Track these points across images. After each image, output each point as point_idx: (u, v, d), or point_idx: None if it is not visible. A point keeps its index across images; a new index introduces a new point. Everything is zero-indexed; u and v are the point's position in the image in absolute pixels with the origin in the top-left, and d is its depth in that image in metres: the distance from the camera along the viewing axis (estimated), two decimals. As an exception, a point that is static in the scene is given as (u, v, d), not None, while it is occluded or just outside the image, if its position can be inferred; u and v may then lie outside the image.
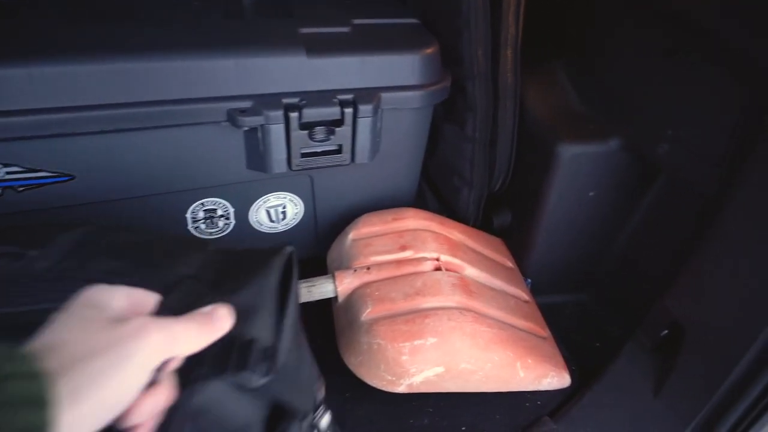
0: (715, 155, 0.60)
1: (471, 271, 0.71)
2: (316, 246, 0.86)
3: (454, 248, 0.73)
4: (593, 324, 0.85)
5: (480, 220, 0.89)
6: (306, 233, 0.84)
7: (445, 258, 0.71)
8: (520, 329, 0.69)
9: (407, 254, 0.70)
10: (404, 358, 0.61)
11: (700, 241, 0.58)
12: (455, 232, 0.77)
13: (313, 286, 0.68)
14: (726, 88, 0.58)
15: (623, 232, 0.80)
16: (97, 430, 0.25)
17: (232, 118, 0.65)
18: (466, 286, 0.68)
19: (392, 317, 0.63)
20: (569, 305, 0.88)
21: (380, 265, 0.69)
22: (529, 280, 0.84)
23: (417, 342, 0.61)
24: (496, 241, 0.87)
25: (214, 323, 0.31)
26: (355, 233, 0.75)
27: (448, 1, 0.77)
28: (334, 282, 0.68)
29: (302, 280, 0.67)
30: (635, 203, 0.77)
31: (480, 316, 0.66)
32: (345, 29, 0.74)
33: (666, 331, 0.65)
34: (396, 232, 0.74)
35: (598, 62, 0.77)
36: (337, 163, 0.71)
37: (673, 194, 0.72)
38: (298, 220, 0.81)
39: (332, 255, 0.78)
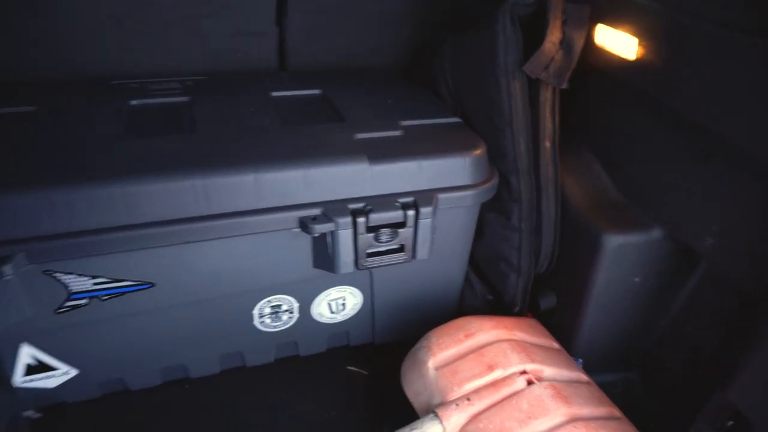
0: (763, 253, 0.63)
1: (549, 372, 0.73)
2: (371, 333, 0.88)
3: (530, 353, 0.75)
4: (641, 402, 0.87)
5: (526, 304, 0.92)
6: (363, 322, 0.86)
7: (530, 367, 0.72)
8: (607, 418, 0.70)
9: (497, 374, 0.71)
10: None
11: (763, 336, 0.60)
12: (516, 332, 0.79)
13: (420, 430, 0.66)
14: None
15: (668, 314, 0.83)
16: None
17: (304, 225, 0.69)
18: (559, 393, 0.69)
19: None
20: (619, 383, 0.89)
21: (478, 392, 0.69)
22: (580, 360, 0.86)
23: None
24: (535, 323, 0.88)
25: None
26: (434, 361, 0.73)
27: (490, 101, 0.82)
28: (440, 422, 0.66)
29: (405, 427, 0.66)
30: (679, 287, 0.80)
31: (584, 421, 0.67)
32: (397, 133, 0.79)
33: (732, 423, 0.66)
34: (474, 350, 0.74)
35: (631, 156, 0.82)
36: (400, 261, 0.75)
37: (717, 282, 0.75)
38: (356, 311, 0.84)
39: (415, 388, 0.75)
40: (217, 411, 0.80)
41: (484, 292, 0.94)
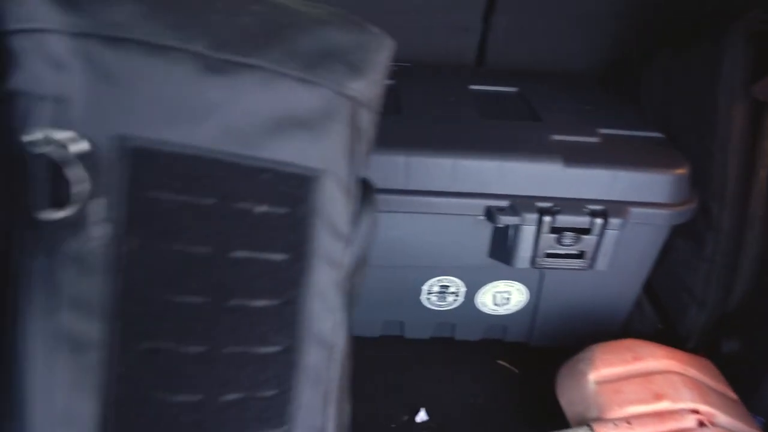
0: None
1: (723, 419, 0.67)
2: (529, 333, 0.89)
3: (704, 393, 0.70)
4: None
5: (702, 341, 0.85)
6: (523, 320, 0.87)
7: (702, 408, 0.68)
8: None
9: (665, 405, 0.67)
10: None
11: None
12: (690, 369, 0.74)
13: None
14: None
15: None
16: None
17: (490, 214, 0.71)
18: None
19: None
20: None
21: (640, 418, 0.66)
22: (761, 419, 0.78)
23: None
24: (710, 365, 0.81)
25: None
26: (595, 375, 0.71)
27: (704, 121, 0.77)
28: None
29: None
30: None
31: None
32: (594, 139, 0.78)
33: None
34: (642, 375, 0.71)
35: None
36: (576, 268, 0.74)
37: None
38: (519, 308, 0.85)
39: (570, 397, 0.73)
40: (378, 371, 0.86)
41: (655, 319, 0.89)
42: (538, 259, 0.73)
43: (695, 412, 0.67)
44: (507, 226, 0.72)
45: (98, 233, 0.26)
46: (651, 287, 0.91)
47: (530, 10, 1.01)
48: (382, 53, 0.34)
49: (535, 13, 1.01)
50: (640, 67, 0.95)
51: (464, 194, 0.72)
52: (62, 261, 0.26)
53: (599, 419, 0.67)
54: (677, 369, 0.73)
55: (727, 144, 0.75)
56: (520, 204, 0.71)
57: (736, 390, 0.78)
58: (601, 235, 0.72)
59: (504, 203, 0.72)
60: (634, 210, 0.73)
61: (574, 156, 0.73)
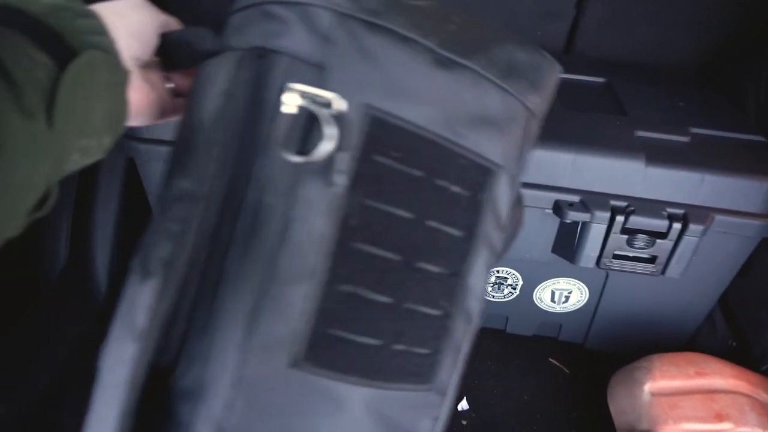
0: None
1: (791, 447, 0.64)
2: (585, 334, 0.86)
3: (772, 417, 0.65)
4: None
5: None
6: (580, 321, 0.84)
7: None
8: None
9: (726, 426, 0.63)
10: None
11: None
12: (762, 393, 0.68)
13: None
14: None
15: None
16: (135, 55, 0.34)
17: (558, 209, 0.69)
18: None
19: None
20: None
21: None
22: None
23: None
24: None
25: None
26: (652, 385, 0.68)
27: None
28: None
29: None
30: None
31: None
32: (684, 139, 0.73)
33: None
34: (704, 392, 0.67)
35: None
36: (645, 272, 0.70)
37: None
38: (577, 308, 0.82)
39: (622, 405, 0.72)
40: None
41: (727, 336, 0.83)
42: (604, 260, 0.70)
43: (760, 439, 0.63)
44: (575, 223, 0.69)
45: (339, 181, 0.31)
46: (727, 301, 0.85)
47: (625, -1, 0.95)
48: (552, 76, 0.39)
49: (632, 1, 0.95)
50: (747, 63, 0.87)
51: (534, 185, 0.70)
52: (298, 202, 0.31)
53: (645, 430, 0.64)
54: (746, 390, 0.68)
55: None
56: (591, 200, 0.68)
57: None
58: (678, 240, 0.68)
59: (575, 198, 0.69)
60: (719, 218, 0.68)
61: (659, 154, 0.69)
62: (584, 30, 0.99)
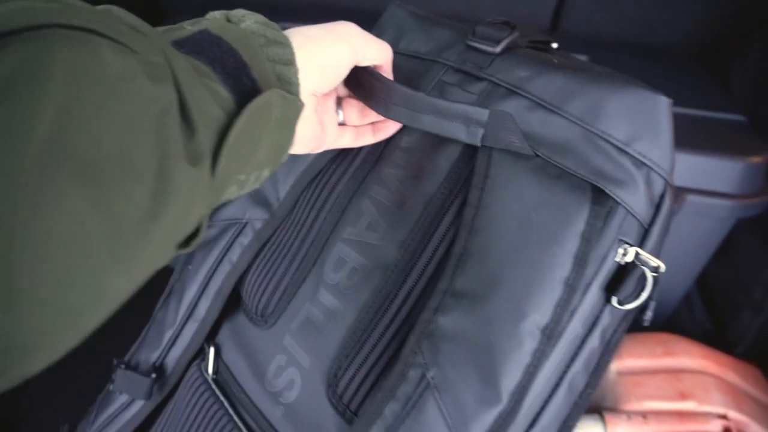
0: None
1: (755, 429, 0.63)
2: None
3: (738, 399, 0.65)
4: None
5: (754, 348, 0.78)
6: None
7: (733, 415, 0.63)
8: None
9: (689, 406, 0.63)
10: None
11: None
12: (729, 373, 0.68)
13: (579, 428, 0.63)
14: None
15: None
16: (317, 89, 0.34)
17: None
18: None
19: None
20: None
21: (658, 414, 0.63)
22: (806, 439, 0.71)
23: None
24: (759, 375, 0.74)
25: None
26: (619, 364, 0.69)
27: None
28: (603, 425, 0.63)
29: None
30: None
31: None
32: (661, 117, 0.72)
33: None
34: (670, 371, 0.67)
35: None
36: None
37: None
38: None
39: None
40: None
41: (704, 319, 0.83)
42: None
43: (723, 417, 0.62)
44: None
45: (647, 317, 0.39)
46: (705, 283, 0.84)
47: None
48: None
49: (621, -24, 0.94)
50: (736, 44, 0.85)
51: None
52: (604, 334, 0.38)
53: (613, 409, 0.64)
54: (713, 371, 0.67)
55: (816, 135, 0.66)
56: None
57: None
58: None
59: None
60: (692, 198, 0.67)
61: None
62: (570, 8, 0.98)
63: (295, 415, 0.40)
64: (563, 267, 0.34)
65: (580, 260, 0.34)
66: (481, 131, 0.37)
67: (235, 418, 0.43)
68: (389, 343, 0.38)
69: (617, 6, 0.97)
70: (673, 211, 0.66)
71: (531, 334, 0.33)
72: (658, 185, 0.37)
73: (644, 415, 0.63)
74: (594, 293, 0.35)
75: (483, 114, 0.37)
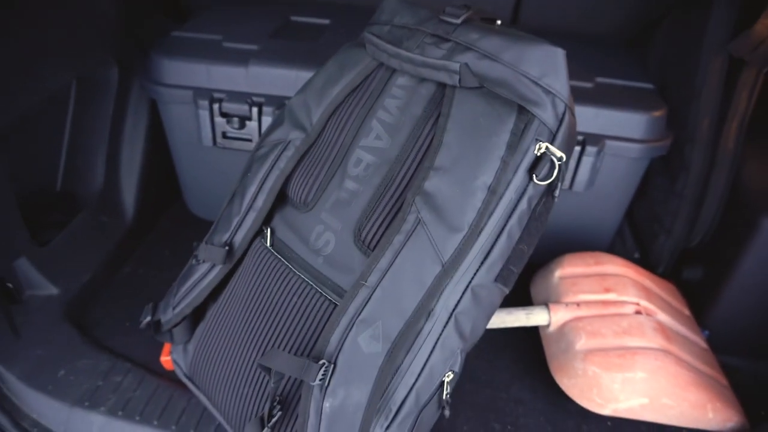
0: None
1: (663, 317, 0.82)
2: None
3: (650, 295, 0.84)
4: (765, 394, 0.88)
5: (670, 269, 0.98)
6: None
7: (643, 303, 0.82)
8: (707, 375, 0.78)
9: (611, 296, 0.82)
10: (616, 386, 0.73)
11: None
12: (646, 280, 0.88)
13: (531, 314, 0.82)
14: None
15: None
16: None
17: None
18: (663, 330, 0.79)
19: (605, 350, 0.75)
20: (744, 370, 0.91)
21: (588, 303, 0.82)
22: (707, 332, 0.91)
23: (628, 374, 0.72)
24: (672, 286, 0.94)
25: None
26: (561, 271, 0.88)
27: (685, 72, 0.90)
28: (548, 312, 0.82)
29: (520, 307, 0.83)
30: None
31: (677, 359, 0.76)
32: (588, 84, 0.93)
33: None
34: (598, 275, 0.86)
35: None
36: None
37: None
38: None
39: (538, 288, 0.92)
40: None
41: (633, 248, 1.03)
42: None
43: (636, 304, 0.83)
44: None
45: (557, 194, 0.56)
46: (633, 219, 1.04)
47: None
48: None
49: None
50: (650, 32, 1.06)
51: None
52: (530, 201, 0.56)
53: (556, 302, 0.84)
54: (631, 276, 0.88)
55: (701, 93, 0.87)
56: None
57: (693, 311, 0.91)
58: (579, 160, 0.87)
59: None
60: (610, 142, 0.87)
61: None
62: (526, 4, 1.18)
63: (332, 259, 0.60)
64: (500, 149, 0.53)
65: (510, 147, 0.53)
66: (457, 77, 0.57)
67: (289, 265, 0.62)
68: (394, 204, 0.58)
69: (563, 3, 1.18)
70: (598, 152, 0.86)
71: (481, 188, 0.53)
72: (560, 106, 0.55)
73: (578, 303, 0.83)
74: (522, 172, 0.54)
75: (456, 66, 0.57)
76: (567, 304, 0.83)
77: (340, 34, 1.02)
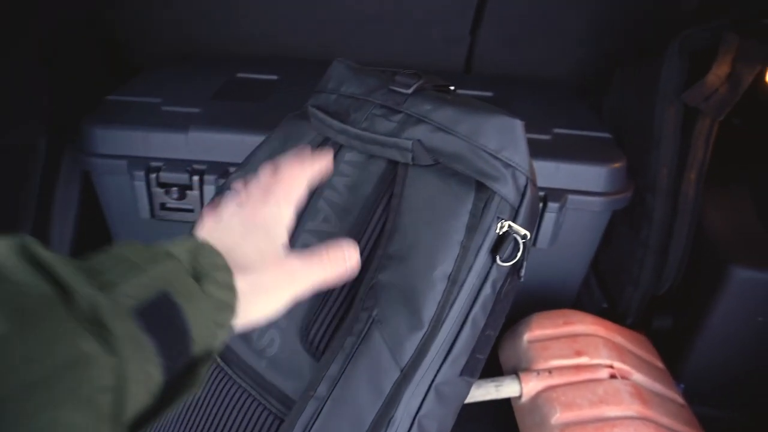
0: None
1: (638, 377, 0.78)
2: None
3: (622, 354, 0.80)
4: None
5: (639, 319, 0.96)
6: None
7: (617, 365, 0.78)
8: None
9: (583, 360, 0.78)
10: None
11: None
12: (617, 336, 0.84)
13: (500, 385, 0.77)
14: None
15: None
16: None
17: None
18: (640, 394, 0.75)
19: (581, 423, 0.71)
20: (721, 421, 0.89)
21: (560, 369, 0.77)
22: (682, 385, 0.88)
23: None
24: (643, 338, 0.91)
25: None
26: (530, 334, 0.84)
27: (641, 121, 0.89)
28: (519, 383, 0.77)
29: (489, 379, 0.78)
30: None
31: (657, 426, 0.72)
32: (547, 137, 0.91)
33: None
34: (569, 336, 0.82)
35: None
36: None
37: None
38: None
39: (506, 353, 0.87)
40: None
41: (601, 299, 1.00)
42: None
43: (610, 366, 0.78)
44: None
45: (522, 274, 0.53)
46: (599, 270, 1.02)
47: (513, 25, 1.14)
48: None
49: (517, 27, 1.14)
50: (604, 80, 1.06)
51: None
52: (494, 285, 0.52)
53: (526, 369, 0.79)
54: (602, 334, 0.84)
55: (659, 142, 0.86)
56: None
57: (667, 363, 0.88)
58: (542, 216, 0.84)
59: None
60: (572, 197, 0.85)
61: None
62: (478, 54, 1.18)
63: (276, 362, 0.53)
64: (459, 233, 0.49)
65: (470, 229, 0.49)
66: (409, 155, 0.53)
67: (228, 370, 0.55)
68: (344, 299, 0.52)
69: (516, 50, 1.17)
70: (560, 208, 0.83)
71: (440, 278, 0.48)
72: (521, 180, 0.52)
73: (550, 371, 0.78)
74: (484, 255, 0.50)
75: (409, 144, 0.53)
76: (538, 372, 0.78)
77: (290, 92, 0.98)
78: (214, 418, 0.54)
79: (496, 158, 0.51)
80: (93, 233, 0.97)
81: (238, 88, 0.99)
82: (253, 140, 0.83)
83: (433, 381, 0.48)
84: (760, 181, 0.87)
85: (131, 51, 1.15)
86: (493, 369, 0.85)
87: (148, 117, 0.86)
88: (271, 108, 0.92)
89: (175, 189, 0.82)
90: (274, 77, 1.04)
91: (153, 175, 0.82)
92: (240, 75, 1.04)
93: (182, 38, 1.14)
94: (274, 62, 1.10)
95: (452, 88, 0.64)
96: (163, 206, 0.84)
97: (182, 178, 0.82)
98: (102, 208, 0.91)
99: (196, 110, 0.88)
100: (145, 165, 0.82)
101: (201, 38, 1.13)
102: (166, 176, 0.82)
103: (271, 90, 0.99)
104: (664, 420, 0.74)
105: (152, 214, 0.85)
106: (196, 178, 0.82)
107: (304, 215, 0.57)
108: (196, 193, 0.83)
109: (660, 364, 0.88)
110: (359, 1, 1.10)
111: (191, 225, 0.70)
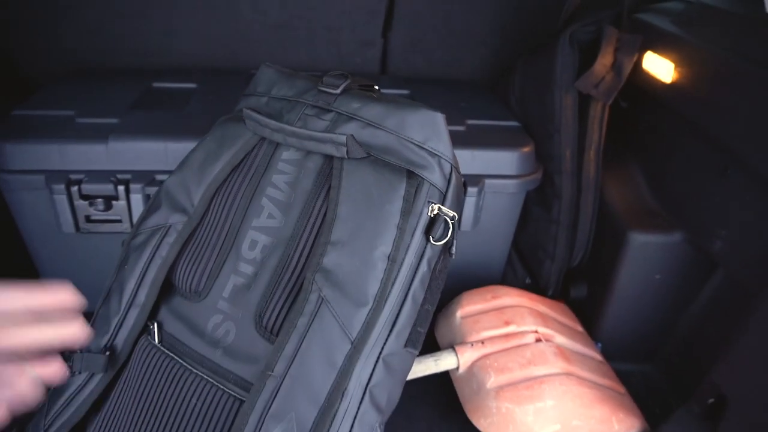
0: (762, 255, 0.73)
1: (560, 339, 0.86)
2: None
3: (546, 320, 0.88)
4: (656, 394, 0.96)
5: (559, 290, 1.04)
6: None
7: (541, 330, 0.85)
8: (607, 387, 0.81)
9: (511, 328, 0.85)
10: (529, 418, 0.74)
11: (746, 323, 0.70)
12: (540, 305, 0.93)
13: (439, 359, 0.82)
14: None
15: (686, 312, 0.92)
16: None
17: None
18: (563, 354, 0.82)
19: (514, 384, 0.77)
20: (635, 374, 0.99)
21: (491, 339, 0.83)
22: (600, 344, 0.97)
23: (539, 404, 0.74)
24: (563, 306, 1.00)
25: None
26: (461, 311, 0.90)
27: (544, 110, 0.98)
28: (456, 355, 0.82)
29: (428, 354, 0.82)
30: (697, 288, 0.89)
31: (580, 379, 0.79)
32: (461, 128, 0.97)
33: (712, 400, 0.76)
34: (497, 308, 0.89)
35: (666, 168, 0.93)
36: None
37: (729, 287, 0.83)
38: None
39: (442, 331, 0.92)
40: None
41: (524, 275, 1.08)
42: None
43: (535, 332, 0.86)
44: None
45: (453, 252, 0.57)
46: (520, 249, 1.10)
47: (421, 27, 1.21)
48: None
49: (426, 29, 1.21)
50: (509, 75, 1.15)
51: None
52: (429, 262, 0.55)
53: (461, 342, 0.85)
54: (527, 304, 0.91)
55: (560, 128, 0.95)
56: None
57: (585, 326, 0.97)
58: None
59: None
60: (488, 181, 0.92)
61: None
62: (392, 54, 1.23)
63: (233, 350, 0.55)
64: (395, 217, 0.53)
65: (405, 213, 0.53)
66: (344, 149, 0.56)
67: (182, 362, 0.56)
68: (294, 284, 0.55)
69: (427, 52, 1.24)
70: (479, 192, 0.90)
71: (381, 258, 0.52)
72: (446, 167, 0.57)
73: (482, 341, 0.84)
74: (419, 235, 0.54)
75: (343, 138, 0.56)
76: (472, 344, 0.84)
77: (208, 100, 0.98)
78: (173, 407, 0.54)
79: (423, 148, 0.56)
80: (9, 253, 0.92)
81: (156, 98, 0.98)
82: (177, 147, 0.84)
83: (381, 352, 0.52)
84: (648, 157, 0.98)
85: (27, 66, 1.10)
86: (431, 347, 0.90)
87: (62, 130, 0.84)
88: (192, 115, 0.92)
89: (100, 200, 0.80)
90: (193, 85, 1.04)
91: (74, 188, 0.79)
92: (156, 85, 1.03)
93: (84, 53, 1.10)
94: (187, 72, 1.09)
95: (376, 87, 0.68)
96: (88, 219, 0.82)
97: (106, 188, 0.80)
98: (17, 225, 0.87)
99: (114, 121, 0.87)
100: (65, 178, 0.80)
101: (106, 52, 1.11)
102: (88, 188, 0.80)
103: (191, 98, 0.99)
104: (586, 374, 0.82)
105: (77, 228, 0.82)
106: (121, 187, 0.80)
107: (248, 214, 0.59)
108: (122, 203, 0.81)
109: (579, 328, 0.97)
110: (262, 12, 1.12)
111: (119, 236, 0.69)
